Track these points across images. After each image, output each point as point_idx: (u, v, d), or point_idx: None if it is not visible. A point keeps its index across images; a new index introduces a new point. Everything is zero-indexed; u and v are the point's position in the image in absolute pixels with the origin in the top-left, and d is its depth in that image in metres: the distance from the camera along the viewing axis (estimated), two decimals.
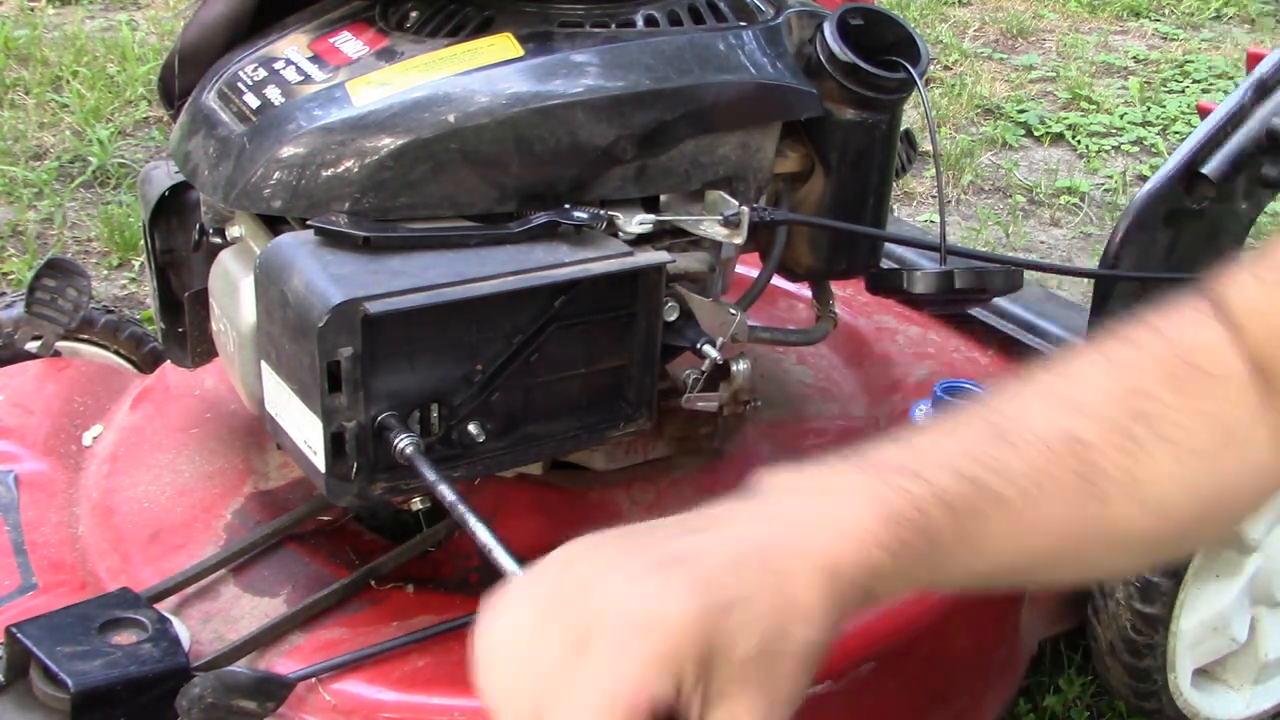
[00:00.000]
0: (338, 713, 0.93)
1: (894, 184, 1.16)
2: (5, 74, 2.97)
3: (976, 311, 1.51)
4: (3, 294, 1.49)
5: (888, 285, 1.13)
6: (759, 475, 0.62)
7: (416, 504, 1.03)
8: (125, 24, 3.33)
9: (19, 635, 0.89)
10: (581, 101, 0.94)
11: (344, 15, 1.05)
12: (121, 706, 0.87)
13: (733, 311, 1.06)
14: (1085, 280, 2.25)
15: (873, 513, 0.59)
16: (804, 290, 1.31)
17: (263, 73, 1.01)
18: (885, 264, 1.20)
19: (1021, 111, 3.13)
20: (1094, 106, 3.18)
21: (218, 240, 1.06)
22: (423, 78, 0.94)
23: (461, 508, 0.76)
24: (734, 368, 1.08)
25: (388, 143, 0.91)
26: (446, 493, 0.78)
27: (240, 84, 1.01)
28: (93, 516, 1.14)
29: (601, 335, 0.94)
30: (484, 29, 0.98)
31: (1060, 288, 2.27)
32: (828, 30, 1.04)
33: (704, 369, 1.02)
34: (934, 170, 2.77)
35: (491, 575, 1.08)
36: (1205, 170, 1.17)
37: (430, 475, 0.81)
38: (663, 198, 1.03)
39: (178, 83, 1.09)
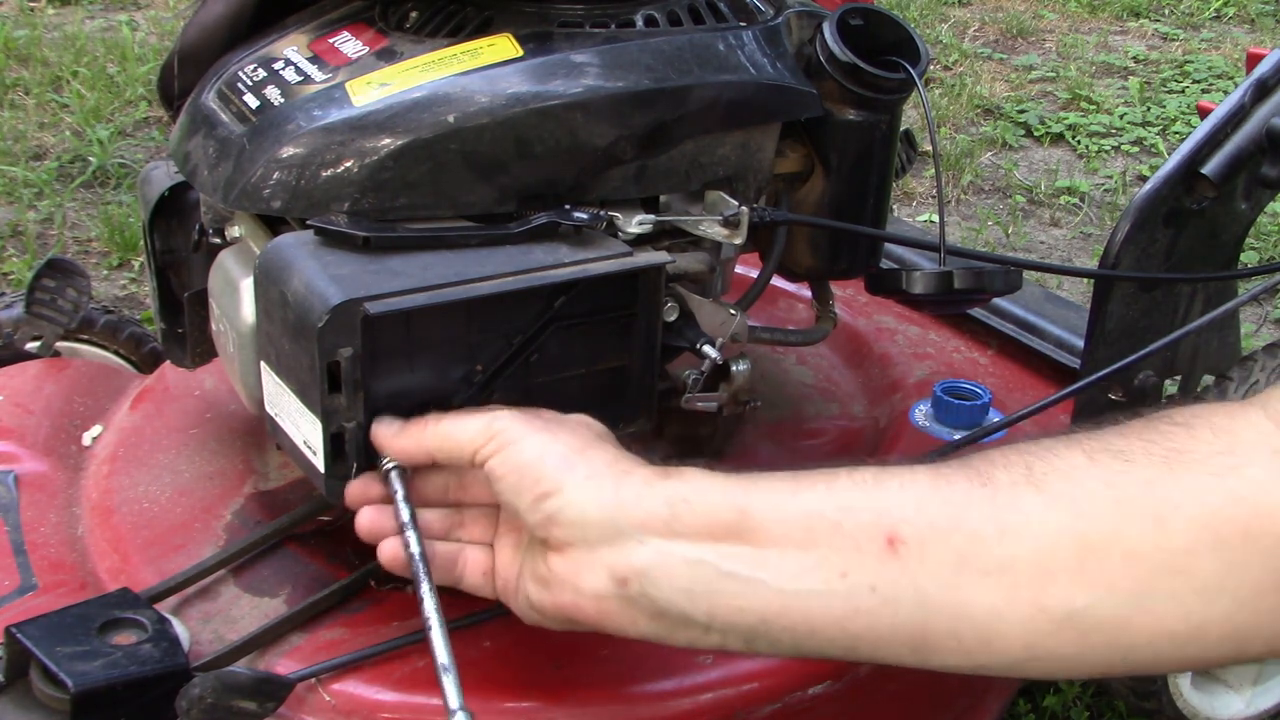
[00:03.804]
0: (338, 713, 0.93)
1: (894, 184, 1.16)
2: (5, 74, 2.97)
3: (976, 311, 1.51)
4: (3, 294, 1.49)
5: (887, 286, 1.13)
6: None
7: None
8: (125, 24, 3.33)
9: (19, 635, 0.89)
10: (581, 102, 0.94)
11: (344, 15, 1.05)
12: (121, 707, 0.87)
13: (733, 312, 1.06)
14: (1085, 280, 2.25)
15: None
16: (804, 290, 1.31)
17: (262, 73, 1.01)
18: (885, 264, 1.20)
19: (1021, 111, 3.13)
20: (1094, 106, 3.18)
21: (218, 240, 1.06)
22: (422, 78, 0.94)
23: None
24: (734, 368, 1.08)
25: (387, 143, 0.91)
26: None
27: (240, 84, 1.01)
28: (93, 516, 1.14)
29: (601, 335, 0.94)
30: (484, 29, 0.98)
31: (1060, 288, 2.27)
32: (827, 30, 1.04)
33: (704, 369, 1.02)
34: (934, 170, 2.77)
35: None
36: (1205, 170, 1.17)
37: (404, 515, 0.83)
38: (663, 198, 1.03)
39: (177, 83, 1.09)
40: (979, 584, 0.63)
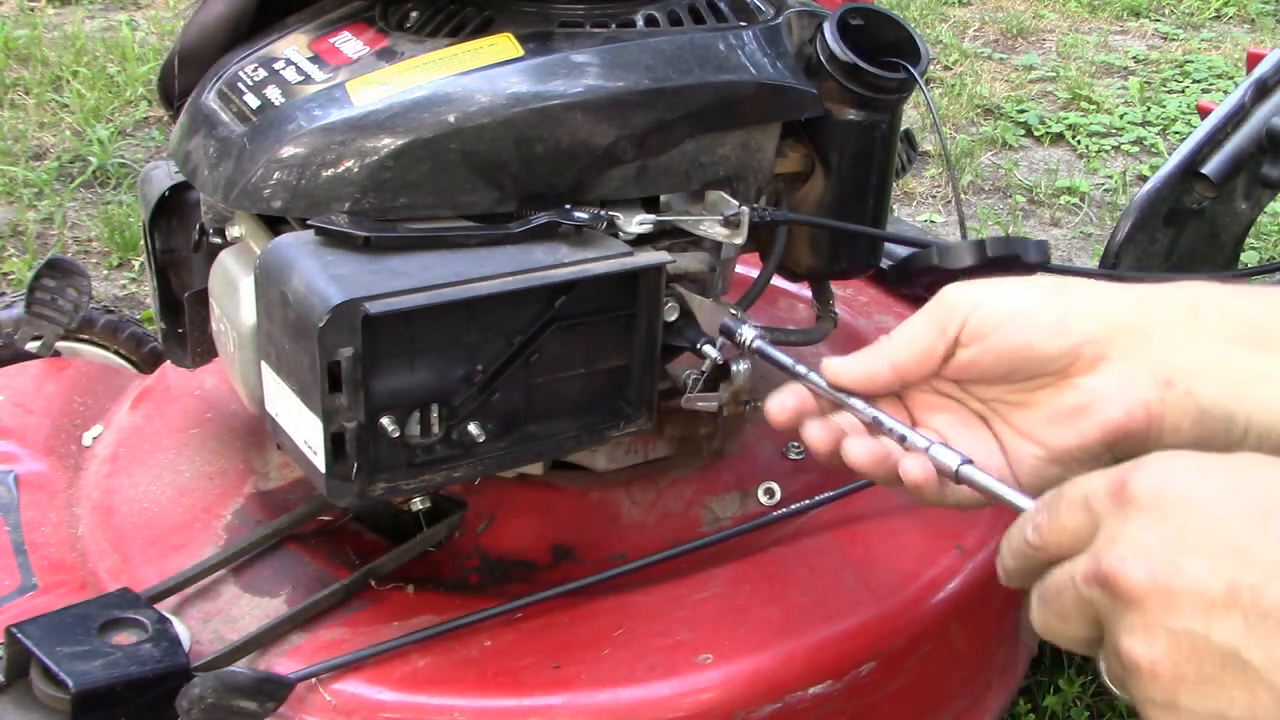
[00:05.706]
0: (338, 713, 0.93)
1: (894, 184, 1.16)
2: (5, 74, 2.97)
3: None
4: (3, 294, 1.49)
5: (913, 271, 1.09)
6: None
7: (416, 504, 1.03)
8: (125, 24, 3.33)
9: (19, 635, 0.89)
10: (581, 102, 0.94)
11: (344, 15, 1.05)
12: (121, 707, 0.87)
13: (733, 312, 1.06)
14: None
15: None
16: (804, 290, 1.31)
17: (263, 73, 1.01)
18: (885, 264, 1.20)
19: (1021, 111, 3.13)
20: (1094, 106, 3.18)
21: (218, 240, 1.06)
22: (423, 78, 0.94)
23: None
24: (734, 368, 1.08)
25: (388, 143, 0.91)
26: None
27: (240, 84, 1.01)
28: (93, 516, 1.14)
29: (601, 335, 0.94)
30: (484, 29, 0.99)
31: None
32: (828, 30, 1.04)
33: (704, 369, 1.02)
34: (933, 171, 2.77)
35: (491, 575, 1.08)
36: (1205, 170, 1.17)
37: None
38: (663, 198, 1.03)
39: (178, 83, 1.10)
40: None
